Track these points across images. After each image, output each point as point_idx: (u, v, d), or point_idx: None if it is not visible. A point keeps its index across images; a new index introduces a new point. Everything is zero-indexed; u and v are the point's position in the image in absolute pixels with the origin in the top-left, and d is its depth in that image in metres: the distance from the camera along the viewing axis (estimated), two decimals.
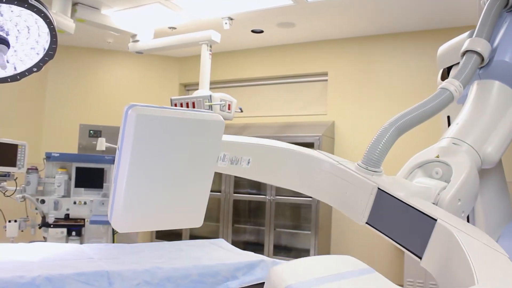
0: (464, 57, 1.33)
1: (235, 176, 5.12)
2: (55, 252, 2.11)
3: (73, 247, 2.32)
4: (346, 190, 1.20)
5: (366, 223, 1.18)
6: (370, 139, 1.24)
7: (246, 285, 1.98)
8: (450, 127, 1.39)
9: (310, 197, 4.76)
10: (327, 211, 5.01)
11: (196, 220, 1.20)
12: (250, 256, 2.15)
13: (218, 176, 5.47)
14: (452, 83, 1.26)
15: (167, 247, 2.40)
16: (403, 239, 1.15)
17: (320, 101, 5.39)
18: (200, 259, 2.06)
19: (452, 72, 1.68)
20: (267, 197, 4.95)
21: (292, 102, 5.35)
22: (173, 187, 1.11)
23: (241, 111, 4.38)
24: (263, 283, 1.96)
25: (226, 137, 1.16)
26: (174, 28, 4.91)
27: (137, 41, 4.20)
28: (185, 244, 2.50)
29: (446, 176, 1.26)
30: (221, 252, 2.30)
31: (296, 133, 4.99)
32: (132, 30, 4.15)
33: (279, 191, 5.03)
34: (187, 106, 4.15)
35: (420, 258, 1.10)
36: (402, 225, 1.14)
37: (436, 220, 1.05)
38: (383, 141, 1.18)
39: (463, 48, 1.34)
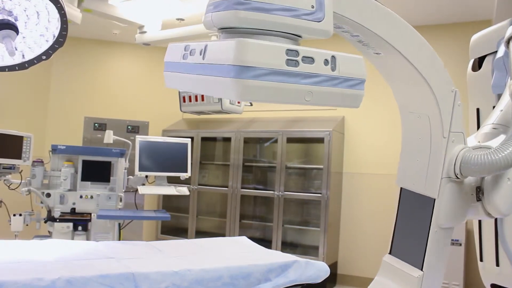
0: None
1: (243, 171, 5.13)
2: (71, 251, 2.00)
3: (88, 244, 2.21)
4: (422, 159, 1.16)
5: (400, 187, 1.21)
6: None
7: None
8: (492, 112, 1.33)
9: (320, 193, 4.68)
10: (336, 207, 4.93)
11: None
12: (282, 256, 2.05)
13: (225, 172, 5.40)
14: None
15: (189, 245, 2.30)
16: (401, 230, 1.19)
17: None
18: (229, 259, 1.95)
19: (488, 60, 1.61)
20: (275, 192, 4.87)
21: None
22: None
23: (251, 105, 4.30)
24: (297, 285, 1.88)
25: (366, 18, 1.03)
26: (182, 19, 4.82)
27: (144, 32, 4.14)
28: (207, 242, 2.39)
29: None
30: (247, 251, 2.19)
31: (305, 128, 4.90)
32: (139, 21, 4.08)
33: (288, 187, 4.95)
34: (196, 99, 4.06)
35: (390, 253, 1.22)
36: (415, 228, 1.15)
37: (421, 270, 1.12)
38: None
39: (508, 35, 1.26)
